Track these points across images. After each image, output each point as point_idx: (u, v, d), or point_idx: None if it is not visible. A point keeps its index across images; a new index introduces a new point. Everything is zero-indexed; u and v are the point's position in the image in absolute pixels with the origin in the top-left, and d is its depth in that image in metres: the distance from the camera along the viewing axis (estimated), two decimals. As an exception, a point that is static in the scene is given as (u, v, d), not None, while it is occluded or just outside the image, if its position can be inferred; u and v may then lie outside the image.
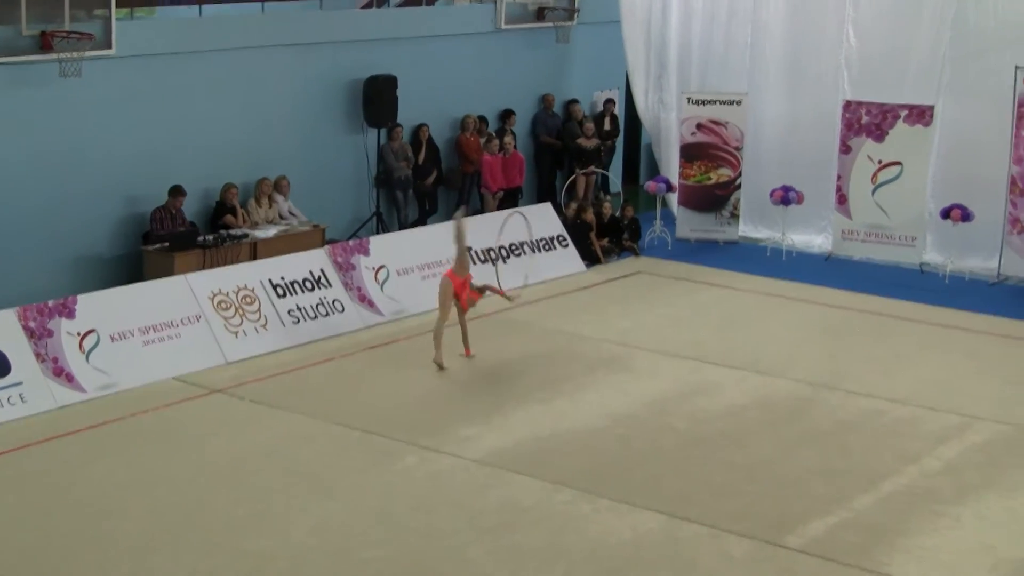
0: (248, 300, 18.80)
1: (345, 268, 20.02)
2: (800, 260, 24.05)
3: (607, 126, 27.52)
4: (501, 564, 12.61)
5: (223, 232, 20.64)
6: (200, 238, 20.30)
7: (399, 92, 23.53)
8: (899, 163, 23.42)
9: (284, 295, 19.21)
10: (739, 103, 24.83)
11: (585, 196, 25.87)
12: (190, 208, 20.87)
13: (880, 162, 23.57)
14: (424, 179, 24.35)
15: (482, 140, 25.29)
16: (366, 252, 20.42)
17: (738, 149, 24.92)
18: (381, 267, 20.43)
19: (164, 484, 14.18)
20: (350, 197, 23.78)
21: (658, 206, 25.18)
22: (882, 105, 23.49)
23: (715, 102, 24.90)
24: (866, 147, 23.65)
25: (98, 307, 17.33)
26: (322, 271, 19.79)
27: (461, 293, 18.19)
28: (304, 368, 18.01)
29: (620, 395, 17.12)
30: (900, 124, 23.32)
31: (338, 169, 23.50)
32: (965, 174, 23.12)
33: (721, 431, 15.97)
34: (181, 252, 19.84)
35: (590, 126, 26.63)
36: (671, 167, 26.20)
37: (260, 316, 18.79)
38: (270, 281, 19.20)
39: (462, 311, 18.36)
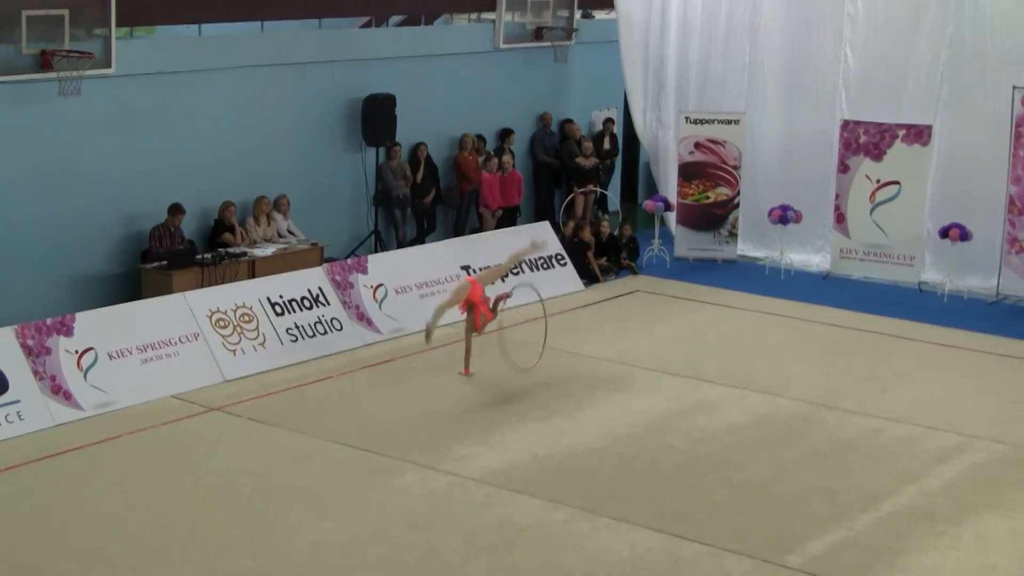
0: (246, 318, 18.79)
1: (343, 286, 20.02)
2: (798, 279, 24.05)
3: (606, 145, 27.55)
4: (499, 583, 12.61)
5: (221, 250, 20.65)
6: (198, 256, 20.31)
7: (398, 111, 23.56)
8: (897, 182, 23.43)
9: (282, 313, 19.20)
10: (737, 122, 24.86)
11: (583, 215, 25.90)
12: (189, 226, 20.88)
13: (878, 181, 23.58)
14: (422, 198, 24.36)
15: (481, 159, 25.31)
16: (364, 270, 20.42)
17: (736, 168, 24.94)
18: (379, 285, 20.42)
19: (161, 502, 14.15)
20: (348, 216, 23.79)
21: (656, 225, 25.19)
22: (880, 124, 23.52)
23: (713, 121, 24.93)
24: (864, 166, 23.67)
25: (96, 325, 17.32)
26: (320, 289, 19.79)
27: (478, 304, 18.19)
28: (302, 386, 17.99)
29: (619, 414, 17.11)
30: (898, 143, 23.35)
31: (336, 188, 23.51)
32: (963, 193, 23.13)
33: (720, 450, 15.95)
34: (179, 270, 19.84)
35: (588, 145, 26.67)
36: (669, 186, 26.21)
37: (258, 334, 18.78)
38: (268, 299, 19.18)
39: (473, 328, 18.33)
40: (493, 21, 26.18)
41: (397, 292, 20.55)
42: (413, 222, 24.45)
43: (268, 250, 21.18)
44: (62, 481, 14.73)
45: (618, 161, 28.62)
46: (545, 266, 22.74)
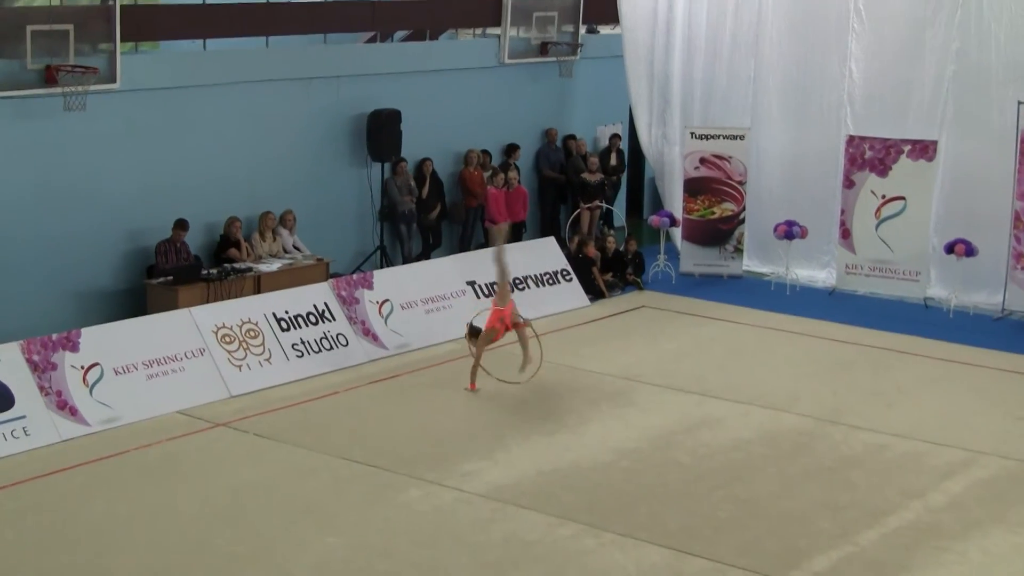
0: (252, 334, 18.80)
1: (349, 302, 20.02)
2: (804, 294, 24.04)
3: (613, 161, 27.53)
4: (505, 599, 12.60)
5: (227, 266, 20.66)
6: (204, 272, 20.33)
7: (403, 126, 23.57)
8: (903, 198, 23.42)
9: (288, 329, 19.20)
10: (742, 138, 24.86)
11: (589, 231, 25.90)
12: (194, 242, 20.89)
13: (884, 197, 23.58)
14: (428, 213, 24.36)
15: (486, 174, 25.32)
16: (370, 286, 20.42)
17: (741, 183, 24.95)
18: (385, 301, 20.41)
19: (166, 518, 14.15)
20: (354, 231, 23.80)
21: (662, 240, 25.19)
22: (885, 140, 23.52)
23: (718, 137, 24.94)
24: (869, 182, 23.67)
25: (102, 341, 17.33)
26: (326, 305, 19.79)
27: (507, 320, 18.34)
28: (308, 402, 17.99)
29: (624, 429, 17.10)
30: (903, 159, 23.35)
31: (342, 203, 23.52)
32: (969, 209, 23.13)
33: (725, 465, 15.94)
34: (185, 286, 19.86)
35: (594, 160, 26.66)
36: (675, 201, 26.22)
37: (264, 350, 18.78)
38: (274, 315, 19.19)
39: (492, 340, 18.44)
40: (498, 36, 26.20)
41: (403, 307, 20.54)
42: (419, 237, 24.45)
43: (274, 265, 21.19)
44: (68, 497, 14.73)
45: (623, 176, 28.60)
46: (551, 281, 22.74)
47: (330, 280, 20.60)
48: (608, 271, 23.84)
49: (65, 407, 16.54)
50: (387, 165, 23.76)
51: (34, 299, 19.38)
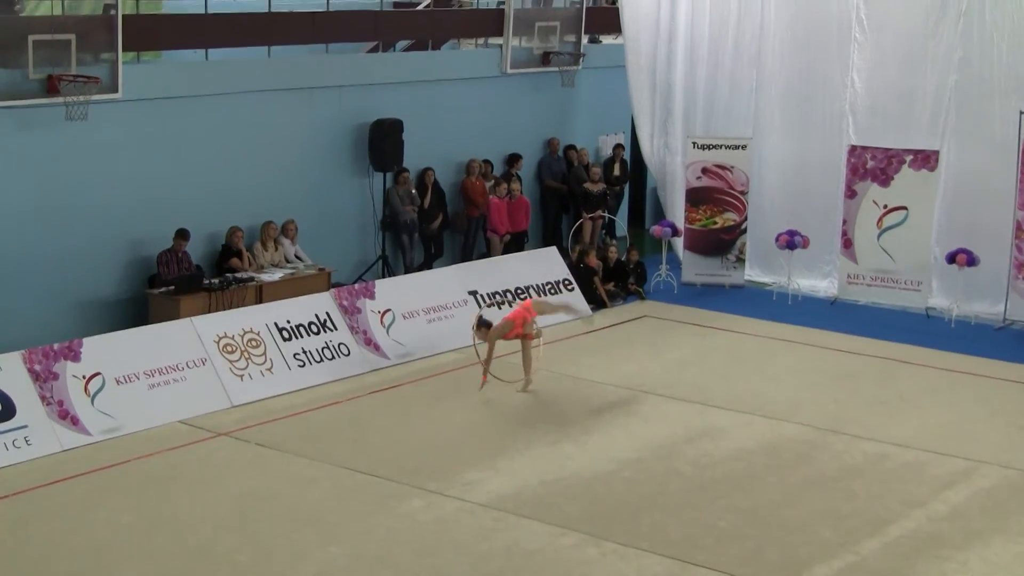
0: (254, 343, 18.80)
1: (351, 312, 20.02)
2: (806, 304, 24.04)
3: (616, 171, 27.55)
4: (506, 609, 12.59)
5: (229, 275, 20.66)
6: (206, 281, 20.33)
7: (405, 136, 23.58)
8: (904, 208, 23.43)
9: (290, 338, 19.20)
10: (744, 148, 24.87)
11: (591, 240, 25.91)
12: (196, 251, 20.90)
13: (885, 207, 23.58)
14: (430, 223, 24.37)
15: (488, 184, 25.33)
16: (372, 296, 20.42)
17: (743, 193, 24.95)
18: (387, 311, 20.42)
19: (168, 528, 14.14)
20: (356, 241, 23.81)
21: (664, 250, 25.20)
22: (887, 150, 23.53)
23: (720, 146, 24.95)
24: (871, 192, 23.67)
25: (104, 350, 17.33)
26: (328, 314, 19.79)
27: (529, 316, 18.68)
28: (309, 411, 17.99)
29: (626, 439, 17.09)
30: (905, 169, 23.35)
31: (344, 213, 23.53)
32: (970, 219, 23.13)
33: (727, 475, 15.93)
34: (186, 295, 19.86)
35: (597, 170, 26.69)
36: (677, 211, 26.24)
37: (266, 359, 18.78)
38: (276, 324, 19.19)
39: (503, 330, 18.62)
40: (500, 46, 26.23)
41: (404, 317, 20.54)
42: (420, 247, 24.46)
43: (275, 275, 21.20)
44: (69, 506, 14.72)
45: (625, 186, 28.63)
46: (552, 291, 22.72)
47: (332, 290, 20.61)
48: (610, 281, 23.84)
49: (66, 417, 16.54)
50: (389, 175, 23.78)
51: (35, 308, 19.38)
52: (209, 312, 19.48)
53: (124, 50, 19.74)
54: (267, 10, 23.09)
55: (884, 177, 23.52)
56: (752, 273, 25.51)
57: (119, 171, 20.27)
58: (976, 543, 14.11)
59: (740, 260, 25.19)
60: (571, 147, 27.36)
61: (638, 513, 14.74)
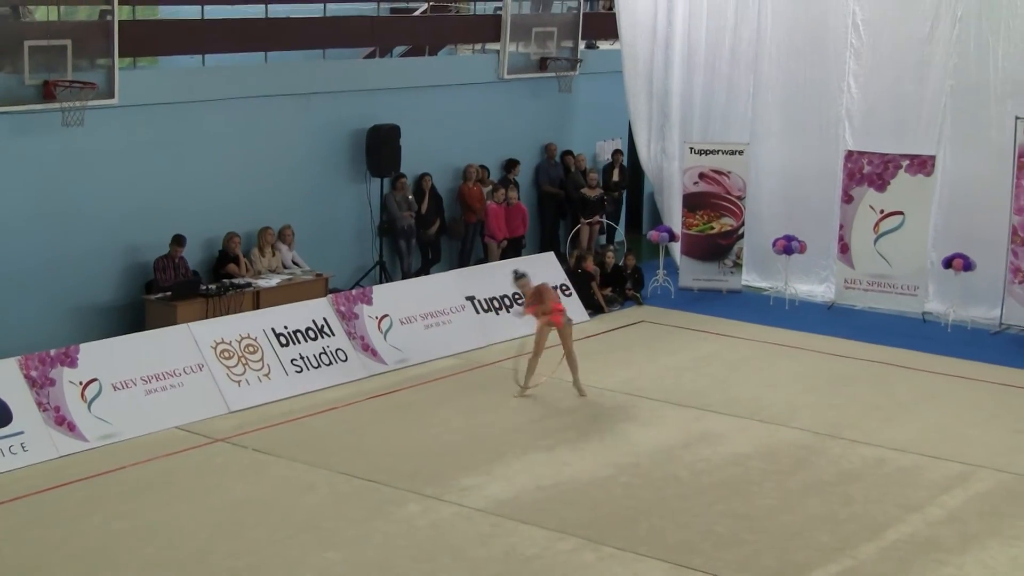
0: (251, 349, 18.80)
1: (348, 317, 20.02)
2: (803, 309, 24.05)
3: (615, 177, 27.54)
4: (503, 614, 12.59)
5: (226, 281, 20.65)
6: (203, 287, 20.31)
7: (402, 142, 23.58)
8: (901, 213, 23.46)
9: (287, 344, 19.20)
10: (741, 153, 24.89)
11: (588, 246, 25.92)
12: (193, 257, 20.89)
13: (882, 212, 23.61)
14: (427, 228, 24.37)
15: (485, 189, 25.34)
16: (369, 301, 20.42)
17: (740, 199, 24.97)
18: (384, 316, 20.41)
19: (165, 534, 14.13)
20: (353, 246, 23.81)
21: (661, 255, 25.20)
22: (884, 155, 23.55)
23: (717, 152, 24.97)
24: (868, 197, 23.69)
25: (100, 356, 17.32)
26: (325, 320, 19.78)
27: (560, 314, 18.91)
28: (307, 417, 17.98)
29: (623, 444, 17.10)
30: (902, 174, 23.37)
31: (341, 218, 23.54)
32: (967, 224, 23.16)
33: (724, 480, 15.93)
34: (184, 301, 19.85)
35: (594, 176, 26.69)
36: (674, 216, 26.25)
37: (263, 365, 18.77)
38: (273, 330, 19.18)
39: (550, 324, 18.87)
40: (497, 52, 26.24)
41: (402, 323, 20.54)
42: (418, 253, 24.46)
43: (273, 281, 21.19)
44: (66, 512, 14.71)
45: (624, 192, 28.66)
46: (549, 297, 22.73)
47: (329, 295, 20.61)
48: (607, 286, 23.85)
49: (63, 423, 16.53)
50: (386, 180, 23.78)
51: (32, 315, 19.37)
52: (206, 318, 19.47)
53: (120, 56, 19.73)
54: (264, 16, 23.10)
55: (881, 182, 23.55)
56: (749, 278, 25.52)
57: (116, 177, 20.27)
58: (973, 547, 14.12)
59: (737, 265, 25.20)
60: (568, 152, 27.36)
61: (635, 518, 14.74)
